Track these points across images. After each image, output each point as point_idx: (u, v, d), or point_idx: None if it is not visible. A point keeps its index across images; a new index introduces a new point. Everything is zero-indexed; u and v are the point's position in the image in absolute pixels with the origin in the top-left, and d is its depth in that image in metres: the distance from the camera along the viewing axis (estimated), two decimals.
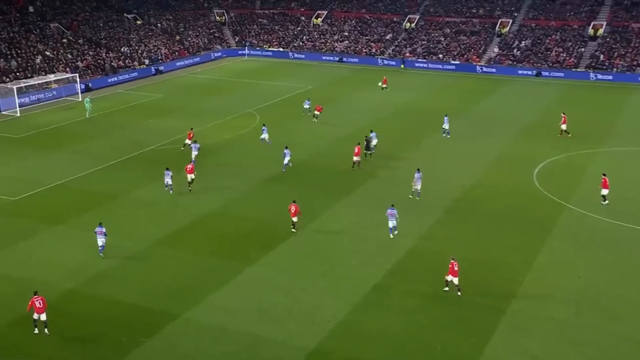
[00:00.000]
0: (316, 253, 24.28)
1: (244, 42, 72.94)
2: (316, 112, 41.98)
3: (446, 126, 38.54)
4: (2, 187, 30.19)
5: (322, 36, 72.62)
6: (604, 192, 28.35)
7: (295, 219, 25.58)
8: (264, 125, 37.85)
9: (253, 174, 32.54)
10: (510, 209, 28.33)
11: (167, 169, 29.80)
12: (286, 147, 32.54)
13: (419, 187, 28.87)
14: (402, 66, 64.34)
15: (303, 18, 76.14)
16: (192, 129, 36.94)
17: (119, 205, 28.58)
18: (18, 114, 44.77)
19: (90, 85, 53.09)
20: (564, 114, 39.11)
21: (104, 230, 23.96)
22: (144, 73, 59.69)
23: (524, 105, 47.25)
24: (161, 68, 61.46)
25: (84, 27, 62.22)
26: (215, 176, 32.30)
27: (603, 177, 28.68)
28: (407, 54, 66.51)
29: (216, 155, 35.67)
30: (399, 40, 69.46)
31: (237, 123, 42.42)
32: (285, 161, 32.31)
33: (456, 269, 21.23)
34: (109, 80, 55.74)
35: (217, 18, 76.62)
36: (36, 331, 19.35)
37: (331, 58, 68.20)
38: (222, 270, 22.98)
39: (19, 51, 53.32)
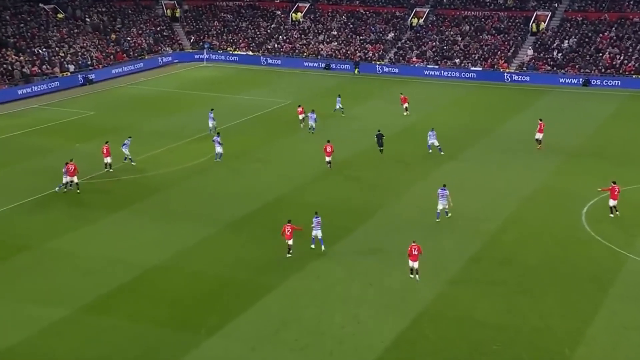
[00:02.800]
0: (298, 318, 24.40)
1: (201, 43, 73.96)
2: (300, 115, 45.82)
3: (434, 141, 41.59)
4: None
5: (303, 36, 74.02)
6: None
7: (290, 242, 28.68)
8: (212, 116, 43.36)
9: (214, 215, 33.00)
10: (554, 260, 28.70)
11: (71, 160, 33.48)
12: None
13: (442, 206, 31.96)
14: (355, 71, 66.10)
15: (279, 13, 77.72)
16: (107, 142, 38.52)
17: (32, 259, 28.57)
18: None
19: None
20: (541, 120, 42.44)
21: None
22: (69, 83, 60.05)
23: (568, 124, 48.36)
24: (91, 76, 61.91)
25: None
26: (165, 219, 32.60)
27: None
28: (414, 59, 67.97)
29: (166, 191, 36.05)
30: (403, 41, 71.06)
31: (193, 148, 42.77)
32: (218, 150, 39.82)
33: (415, 252, 26.69)
34: (20, 92, 55.94)
35: (166, 12, 77.82)
36: None
37: (315, 64, 69.40)
38: (170, 345, 23.02)
39: None
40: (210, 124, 45.39)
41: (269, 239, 30.50)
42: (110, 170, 38.13)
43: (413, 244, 27.06)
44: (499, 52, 66.50)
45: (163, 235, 30.88)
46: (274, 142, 44.54)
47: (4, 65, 57.78)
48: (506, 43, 67.52)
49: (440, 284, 26.71)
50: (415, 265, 26.94)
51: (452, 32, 70.20)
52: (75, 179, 35.36)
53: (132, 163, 39.31)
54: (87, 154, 41.56)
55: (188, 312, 24.83)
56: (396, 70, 66.45)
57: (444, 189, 32.14)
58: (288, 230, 28.55)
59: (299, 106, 48.08)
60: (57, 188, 34.35)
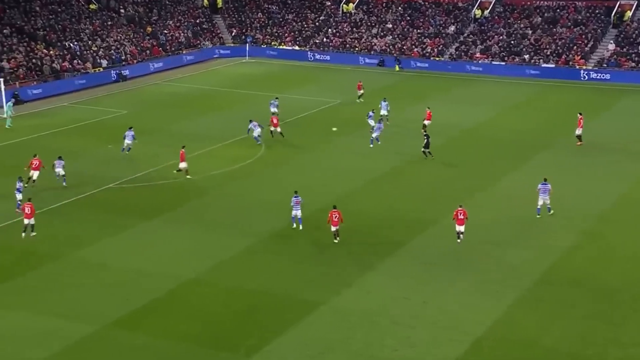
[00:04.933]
0: (346, 339, 24.35)
1: (244, 37, 74.73)
2: (272, 128, 45.36)
3: (383, 112, 46.88)
4: None
5: (355, 29, 74.14)
6: None
7: (335, 228, 30.62)
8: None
9: (254, 224, 33.25)
10: (635, 283, 28.03)
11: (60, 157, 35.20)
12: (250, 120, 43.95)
13: (543, 201, 33.09)
14: (396, 67, 66.27)
15: (329, 3, 78.05)
16: (183, 147, 39.37)
17: (57, 270, 29.13)
18: None
19: (19, 94, 54.62)
20: (580, 114, 43.91)
21: (17, 185, 33.37)
22: (101, 79, 61.35)
23: None
24: (125, 72, 63.12)
25: (11, 11, 64.42)
26: (200, 228, 32.95)
27: None
28: (477, 54, 67.45)
29: (202, 198, 36.42)
30: (465, 35, 70.52)
31: (233, 152, 43.20)
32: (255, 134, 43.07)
33: (461, 217, 30.18)
34: (49, 89, 57.34)
35: (206, 2, 78.93)
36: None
37: (369, 60, 69.42)
38: None
39: None
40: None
41: (314, 251, 30.58)
42: (188, 176, 38.28)
43: (459, 208, 30.40)
44: (575, 47, 65.41)
45: (198, 246, 31.22)
46: (321, 146, 44.69)
47: (33, 60, 59.36)
48: (583, 36, 66.36)
49: (503, 305, 26.33)
50: (462, 229, 30.55)
51: (521, 25, 69.39)
52: (36, 175, 36.63)
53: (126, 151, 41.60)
54: (119, 156, 42.42)
55: (225, 330, 25.01)
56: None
57: (546, 184, 33.02)
58: (335, 217, 30.61)
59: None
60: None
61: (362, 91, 54.54)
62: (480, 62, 66.40)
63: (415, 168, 40.71)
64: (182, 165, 38.68)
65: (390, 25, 73.40)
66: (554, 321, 25.46)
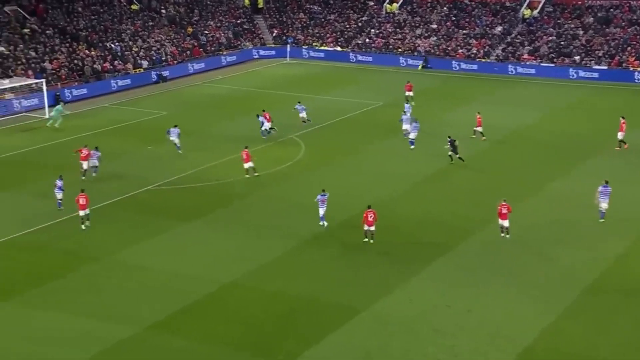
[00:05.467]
0: (385, 348, 24.35)
1: (284, 37, 75.12)
2: (266, 123, 46.19)
3: (407, 111, 47.08)
4: None
5: (398, 30, 74.01)
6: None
7: (369, 228, 30.92)
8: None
9: (295, 227, 33.42)
10: None
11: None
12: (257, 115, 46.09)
13: (607, 205, 32.91)
14: (420, 67, 66.50)
15: (371, 4, 78.02)
16: (246, 147, 39.86)
17: (97, 272, 29.64)
18: None
19: (60, 95, 55.70)
20: (623, 118, 43.66)
21: (59, 183, 34.45)
22: (141, 80, 62.26)
23: None
24: (166, 73, 63.96)
25: (54, 12, 65.76)
26: (240, 231, 33.28)
27: None
28: (525, 56, 66.77)
29: (242, 200, 36.79)
30: (513, 36, 69.85)
31: (272, 154, 43.49)
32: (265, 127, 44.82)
33: (505, 211, 30.90)
34: (90, 90, 58.37)
35: (247, 2, 79.52)
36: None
37: (411, 62, 69.20)
38: None
39: None
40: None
41: (355, 255, 30.62)
42: (256, 174, 39.17)
43: (503, 202, 30.96)
44: (629, 48, 64.31)
45: (238, 249, 31.50)
46: (363, 149, 44.71)
47: (75, 61, 60.48)
48: (639, 37, 65.21)
49: (552, 313, 26.01)
50: (505, 223, 31.07)
51: (572, 25, 68.52)
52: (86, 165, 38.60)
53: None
54: (158, 157, 42.99)
55: (264, 334, 25.17)
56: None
57: (607, 186, 32.89)
58: (370, 216, 30.90)
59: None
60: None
61: (411, 93, 54.00)
62: (528, 63, 65.74)
63: (460, 172, 40.49)
64: (247, 165, 39.17)
65: (434, 26, 73.09)
66: (606, 331, 25.11)
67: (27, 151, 44.66)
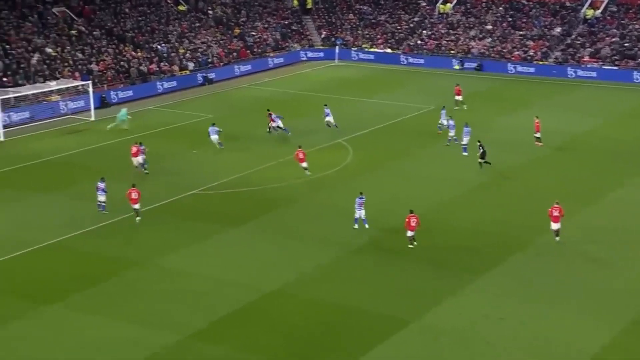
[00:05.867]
0: None
1: (333, 39, 75.22)
2: (273, 124, 47.90)
3: (443, 121, 46.58)
4: None
5: (451, 31, 73.51)
6: None
7: (412, 233, 31.12)
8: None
9: (339, 235, 33.44)
10: None
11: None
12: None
13: None
14: (456, 66, 66.02)
15: (424, 4, 77.65)
16: (300, 146, 41.36)
17: (140, 277, 30.11)
18: (1, 138, 48.56)
19: (106, 97, 56.63)
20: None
21: (102, 185, 35.19)
22: (187, 82, 62.99)
23: None
24: (211, 75, 64.61)
25: (101, 13, 66.96)
26: (284, 238, 33.47)
27: None
28: (586, 58, 65.69)
29: (287, 206, 36.98)
30: (573, 37, 68.78)
31: (319, 159, 43.57)
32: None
33: (556, 214, 31.26)
34: (136, 92, 59.22)
35: (296, 3, 79.90)
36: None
37: (465, 64, 68.68)
38: None
39: (7, 46, 57.86)
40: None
41: (403, 264, 30.48)
42: (308, 173, 40.25)
43: (555, 205, 31.27)
44: None
45: (281, 257, 31.62)
46: (413, 154, 44.55)
47: (121, 63, 61.50)
48: None
49: (613, 329, 25.48)
50: (557, 226, 31.45)
51: (636, 25, 67.22)
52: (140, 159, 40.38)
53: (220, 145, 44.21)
54: (204, 161, 43.44)
55: (307, 345, 25.18)
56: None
57: None
58: (413, 221, 31.22)
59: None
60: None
61: (460, 97, 53.91)
62: (589, 66, 64.66)
63: (516, 179, 40.02)
64: (304, 165, 40.21)
65: (489, 27, 72.41)
66: None
67: (73, 153, 45.54)
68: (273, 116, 47.74)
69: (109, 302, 27.94)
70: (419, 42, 72.84)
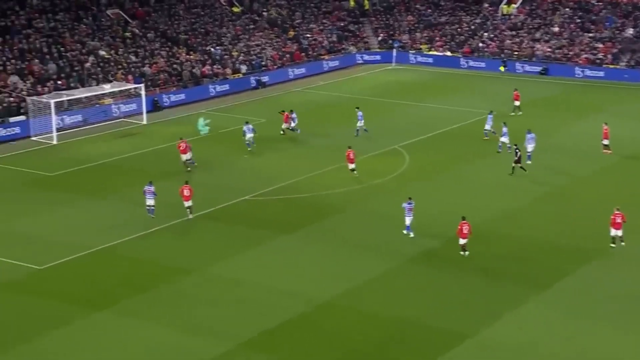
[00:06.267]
0: None
1: (390, 41, 74.98)
2: (285, 125, 49.28)
3: (488, 127, 46.74)
4: (24, 250, 33.37)
5: (515, 33, 72.61)
6: None
7: (464, 241, 31.18)
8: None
9: (395, 245, 33.34)
10: None
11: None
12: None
13: None
14: (501, 68, 65.79)
15: (486, 5, 76.88)
16: (350, 147, 41.65)
17: (190, 283, 30.46)
18: (54, 141, 49.44)
19: (159, 100, 57.41)
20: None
21: (152, 189, 35.55)
22: (240, 85, 63.50)
23: None
24: (265, 79, 65.04)
25: (155, 15, 67.98)
26: (338, 246, 33.51)
27: None
28: None
29: (341, 213, 37.04)
30: None
31: (373, 166, 43.49)
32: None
33: (619, 220, 31.44)
34: (188, 95, 59.90)
35: (352, 4, 79.93)
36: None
37: (529, 68, 67.79)
38: None
39: (62, 49, 59.18)
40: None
41: (460, 277, 30.20)
42: (355, 173, 41.05)
43: (616, 211, 31.38)
44: None
45: (335, 266, 31.61)
46: (472, 161, 44.17)
47: (174, 65, 62.35)
48: None
49: None
50: (619, 233, 31.44)
51: None
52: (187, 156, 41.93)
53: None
54: (256, 166, 43.74)
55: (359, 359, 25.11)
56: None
57: None
58: (465, 229, 31.19)
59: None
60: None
61: (518, 102, 53.33)
62: None
63: (582, 189, 39.39)
64: (352, 166, 40.76)
65: (556, 29, 71.33)
66: None
67: (125, 157, 46.25)
68: (292, 115, 48.72)
69: (159, 309, 28.30)
70: (480, 44, 72.09)
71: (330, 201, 38.56)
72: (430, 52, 72.91)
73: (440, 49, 73.06)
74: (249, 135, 45.81)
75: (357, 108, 49.59)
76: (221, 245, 33.76)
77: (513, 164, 40.79)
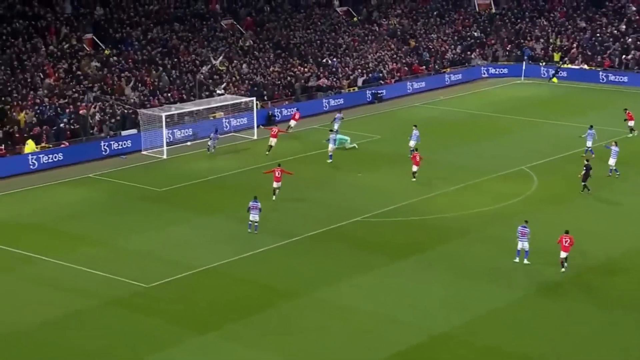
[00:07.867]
0: None
1: (520, 51, 73.56)
2: (292, 122, 53.41)
3: (589, 143, 46.59)
4: (132, 267, 34.62)
5: None
6: None
7: (564, 254, 31.87)
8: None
9: (520, 275, 33.13)
10: None
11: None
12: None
13: None
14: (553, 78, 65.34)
15: (634, 9, 73.99)
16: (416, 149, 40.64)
17: (296, 308, 30.91)
18: (164, 156, 50.97)
19: (272, 114, 58.21)
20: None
21: (258, 205, 36.70)
22: (355, 99, 63.91)
23: None
24: (381, 92, 65.28)
25: (270, 25, 69.39)
26: (456, 274, 33.46)
27: None
28: None
29: (460, 239, 36.98)
30: None
31: (498, 188, 43.04)
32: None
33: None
34: (302, 110, 60.34)
35: (479, 8, 79.11)
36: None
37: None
38: None
39: (174, 60, 61.26)
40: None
41: (591, 311, 29.59)
42: (414, 179, 43.29)
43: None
44: None
45: (452, 295, 31.49)
46: (609, 185, 43.33)
47: (288, 77, 63.35)
48: None
49: None
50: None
51: None
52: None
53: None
54: (369, 186, 43.99)
55: None
56: None
57: None
58: (566, 241, 32.21)
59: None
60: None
61: (632, 122, 51.70)
62: None
63: None
64: (414, 168, 43.76)
65: None
66: None
67: (233, 174, 47.09)
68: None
69: (265, 335, 28.81)
70: (623, 56, 69.56)
71: (448, 224, 38.44)
72: (564, 66, 70.89)
73: (576, 61, 71.01)
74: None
75: (415, 126, 49.19)
76: (330, 268, 34.12)
77: (582, 182, 40.70)
